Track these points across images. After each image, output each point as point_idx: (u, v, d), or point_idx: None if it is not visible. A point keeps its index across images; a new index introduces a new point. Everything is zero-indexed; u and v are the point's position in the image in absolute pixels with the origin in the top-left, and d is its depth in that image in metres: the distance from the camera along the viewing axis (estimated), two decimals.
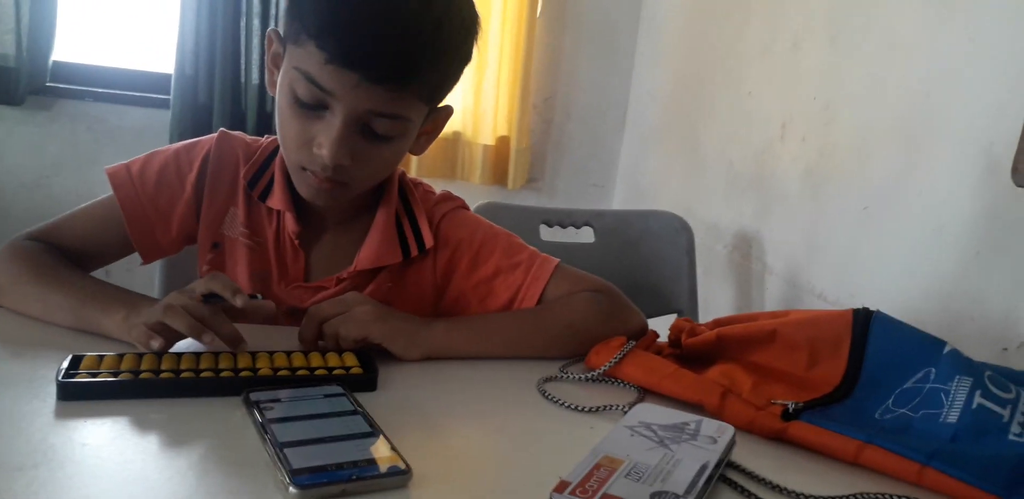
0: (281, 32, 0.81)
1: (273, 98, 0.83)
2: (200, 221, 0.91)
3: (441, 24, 0.75)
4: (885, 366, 0.74)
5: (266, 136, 0.94)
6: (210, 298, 0.70)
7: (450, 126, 1.02)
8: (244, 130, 2.19)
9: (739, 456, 0.62)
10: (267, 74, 0.85)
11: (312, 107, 0.76)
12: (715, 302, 1.72)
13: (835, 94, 1.39)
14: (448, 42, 0.77)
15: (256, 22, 2.17)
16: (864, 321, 0.77)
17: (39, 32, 2.08)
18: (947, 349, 0.73)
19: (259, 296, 0.75)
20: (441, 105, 0.85)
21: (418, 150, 0.88)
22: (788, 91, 1.55)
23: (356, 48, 0.72)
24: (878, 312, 0.78)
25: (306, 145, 0.78)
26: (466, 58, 0.81)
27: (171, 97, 2.16)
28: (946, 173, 1.10)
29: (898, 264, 1.17)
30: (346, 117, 0.75)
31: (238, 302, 0.69)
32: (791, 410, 0.68)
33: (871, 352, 0.75)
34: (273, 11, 2.16)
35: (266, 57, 0.85)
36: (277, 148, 0.90)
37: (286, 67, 0.78)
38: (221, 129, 0.93)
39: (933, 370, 0.71)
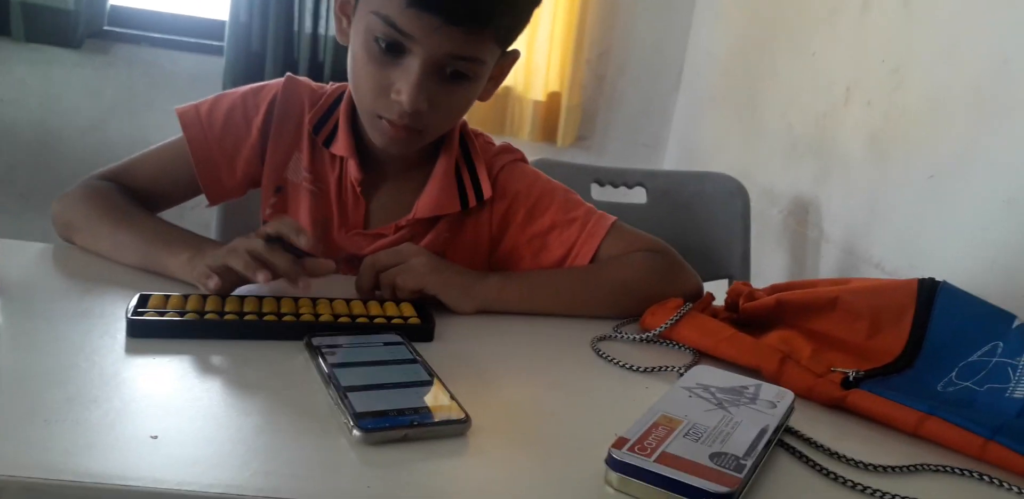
0: None
1: (325, 47, 0.82)
2: (264, 164, 0.91)
3: None
4: (949, 338, 0.72)
5: (331, 83, 0.94)
6: (274, 241, 0.71)
7: None
8: None
9: (796, 422, 0.62)
10: (336, 23, 0.84)
11: (390, 52, 0.76)
12: (768, 268, 1.69)
13: (905, 58, 1.34)
14: None
15: None
16: (929, 291, 0.75)
17: None
18: (1016, 323, 0.71)
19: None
20: (509, 49, 0.84)
21: (485, 96, 0.87)
22: (855, 54, 1.50)
23: None
24: (944, 283, 0.76)
25: (383, 92, 0.78)
26: (537, 0, 0.80)
27: (224, 44, 2.16)
28: (1021, 144, 1.05)
29: (964, 235, 1.14)
30: (425, 61, 0.75)
31: (302, 241, 0.70)
32: (851, 378, 0.67)
33: (935, 323, 0.73)
34: None
35: (333, 5, 0.84)
36: (342, 94, 0.90)
37: (362, 13, 0.77)
38: (288, 74, 0.93)
39: (1001, 344, 0.69)
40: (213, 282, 0.69)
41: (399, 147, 0.84)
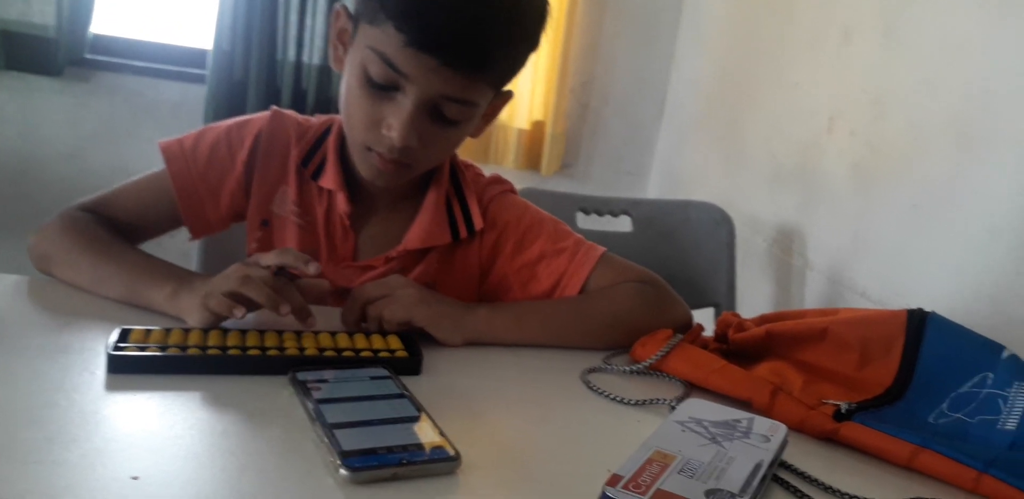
0: (351, 9, 0.80)
1: (308, 75, 0.83)
2: (250, 198, 0.90)
3: (519, 10, 0.75)
4: (940, 369, 0.72)
5: (316, 116, 0.94)
6: (280, 272, 0.70)
7: None
8: (279, 107, 2.21)
9: (789, 455, 0.61)
10: (331, 50, 0.85)
11: (383, 88, 0.76)
12: (753, 296, 1.70)
13: (887, 89, 1.35)
14: (524, 29, 0.77)
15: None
16: (919, 322, 0.75)
17: (79, 4, 2.08)
18: (1006, 354, 0.71)
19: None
20: (503, 90, 0.84)
21: (476, 133, 0.87)
22: (837, 84, 1.52)
23: (437, 32, 0.71)
24: (933, 314, 0.76)
25: (374, 125, 0.78)
26: (535, 45, 0.80)
27: (207, 72, 2.16)
28: (1002, 173, 1.06)
29: (948, 265, 1.14)
30: (418, 100, 0.75)
31: (311, 270, 0.69)
32: (844, 410, 0.67)
33: (925, 354, 0.73)
34: None
35: (330, 32, 0.84)
36: (330, 128, 0.90)
37: (358, 46, 0.77)
38: (273, 107, 0.93)
39: (991, 375, 0.69)
40: (241, 312, 0.67)
41: (387, 180, 0.83)
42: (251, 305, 0.68)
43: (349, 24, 0.80)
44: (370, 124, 0.78)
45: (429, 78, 0.74)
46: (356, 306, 0.77)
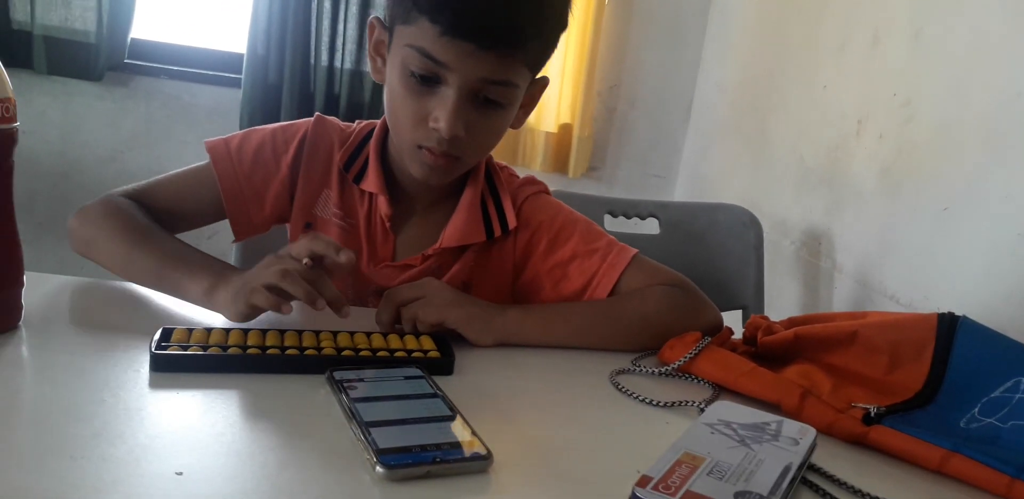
0: (383, 18, 0.83)
1: (341, 80, 0.85)
2: (294, 202, 0.93)
3: None
4: (971, 373, 0.72)
5: (357, 122, 0.96)
6: (314, 263, 0.71)
7: None
8: (311, 110, 2.24)
9: (818, 458, 0.61)
10: (371, 63, 0.87)
11: (426, 82, 0.78)
12: (781, 298, 1.69)
13: (916, 92, 1.35)
14: (551, 8, 0.80)
15: (327, 4, 2.19)
16: (949, 326, 0.75)
17: (119, 10, 2.14)
18: None
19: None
20: (538, 76, 0.87)
21: (516, 124, 0.89)
22: (865, 87, 1.51)
23: (471, 18, 0.74)
24: (964, 318, 0.76)
25: (422, 122, 0.80)
26: (564, 24, 0.83)
27: (242, 77, 2.20)
28: None
29: (978, 268, 1.13)
30: (460, 87, 0.77)
31: (343, 258, 0.70)
32: (873, 414, 0.67)
33: (956, 358, 0.73)
34: None
35: (368, 46, 0.87)
36: (371, 132, 0.92)
37: (396, 46, 0.80)
38: (317, 113, 0.95)
39: (1023, 380, 0.69)
40: (289, 308, 0.68)
41: (439, 176, 0.85)
42: (289, 298, 0.70)
43: (384, 34, 0.83)
44: (417, 121, 0.80)
45: (468, 63, 0.76)
46: (391, 307, 0.78)
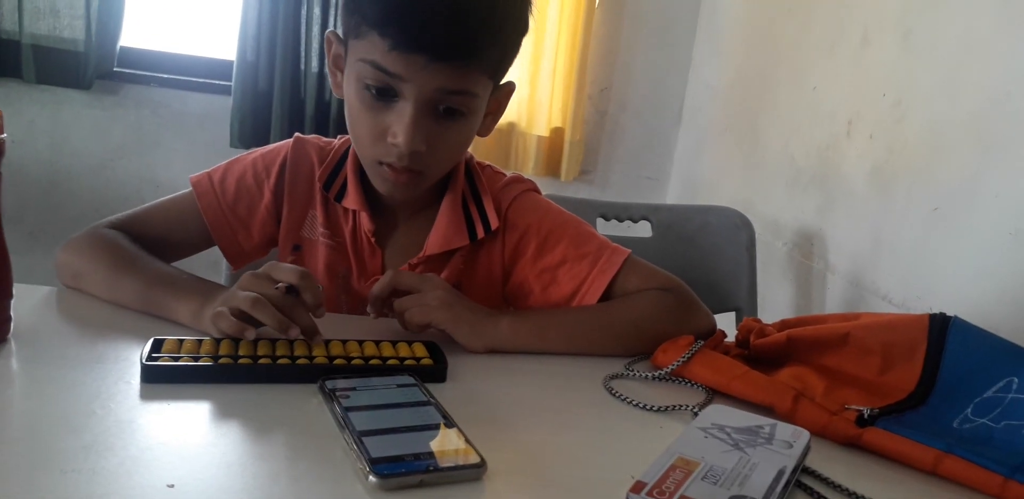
0: (339, 32, 0.82)
1: (330, 86, 0.83)
2: (281, 225, 0.93)
3: None
4: (963, 374, 0.72)
5: (339, 137, 0.95)
6: (289, 289, 0.71)
7: (505, 117, 1.03)
8: (303, 117, 2.24)
9: (812, 461, 0.61)
10: (331, 78, 0.86)
11: (382, 97, 0.77)
12: (774, 300, 1.69)
13: (906, 91, 1.35)
14: (505, 14, 0.77)
15: (317, 10, 2.19)
16: (941, 326, 0.75)
17: (108, 18, 2.13)
18: None
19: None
20: (503, 82, 0.85)
21: (484, 131, 0.88)
22: (856, 87, 1.51)
23: (418, 32, 0.72)
24: (956, 318, 0.76)
25: (380, 137, 0.79)
26: (524, 29, 0.81)
27: (232, 83, 2.19)
28: None
29: (970, 267, 1.14)
30: (417, 99, 0.76)
31: (319, 314, 0.72)
32: (866, 416, 0.67)
33: (948, 359, 0.73)
34: (334, 0, 2.18)
35: (327, 61, 0.86)
36: (348, 149, 0.92)
37: (351, 61, 0.79)
38: (296, 134, 0.95)
39: (1016, 380, 0.69)
40: (252, 334, 0.68)
41: (403, 191, 0.84)
42: (260, 325, 0.69)
43: (341, 48, 0.82)
44: (376, 137, 0.79)
45: (422, 76, 0.74)
46: (387, 286, 0.79)
